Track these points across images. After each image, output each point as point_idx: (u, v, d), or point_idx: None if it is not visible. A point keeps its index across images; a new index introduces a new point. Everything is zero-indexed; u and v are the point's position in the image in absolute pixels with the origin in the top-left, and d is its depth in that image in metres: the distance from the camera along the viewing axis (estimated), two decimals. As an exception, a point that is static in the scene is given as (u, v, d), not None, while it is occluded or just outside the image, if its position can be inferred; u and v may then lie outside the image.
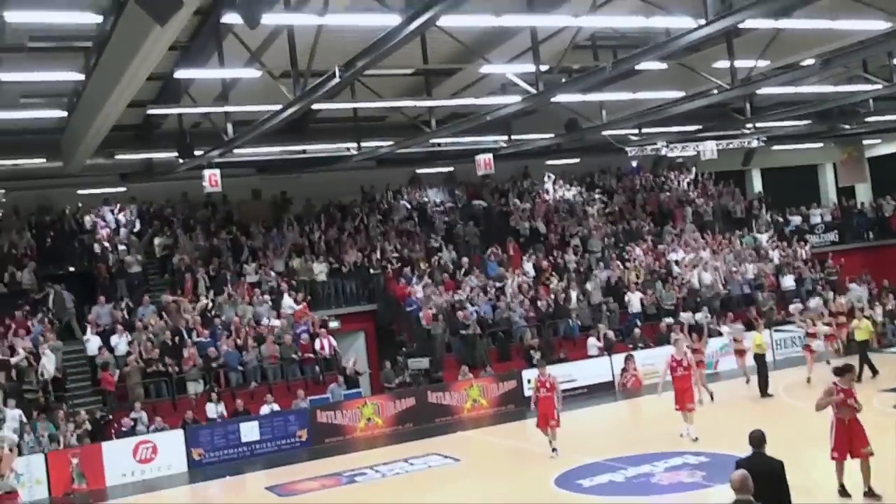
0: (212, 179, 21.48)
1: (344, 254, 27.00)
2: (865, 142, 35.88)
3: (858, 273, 30.61)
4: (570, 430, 17.78)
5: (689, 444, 16.06)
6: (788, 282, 29.12)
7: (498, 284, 26.69)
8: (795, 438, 14.03)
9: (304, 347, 22.84)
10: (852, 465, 11.81)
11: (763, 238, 31.84)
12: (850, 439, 11.66)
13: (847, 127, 31.71)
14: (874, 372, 21.09)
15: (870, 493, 11.67)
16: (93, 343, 21.70)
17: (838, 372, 12.04)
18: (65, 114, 18.39)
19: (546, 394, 16.60)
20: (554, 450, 16.47)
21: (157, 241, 26.02)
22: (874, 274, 30.75)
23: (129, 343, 21.63)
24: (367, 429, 21.04)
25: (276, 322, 23.44)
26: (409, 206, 30.25)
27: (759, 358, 20.93)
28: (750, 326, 24.11)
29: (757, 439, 9.04)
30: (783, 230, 33.38)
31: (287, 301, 24.43)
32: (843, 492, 11.78)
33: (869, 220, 34.68)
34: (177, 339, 22.10)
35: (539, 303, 25.90)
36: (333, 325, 24.74)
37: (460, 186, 31.48)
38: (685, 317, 25.00)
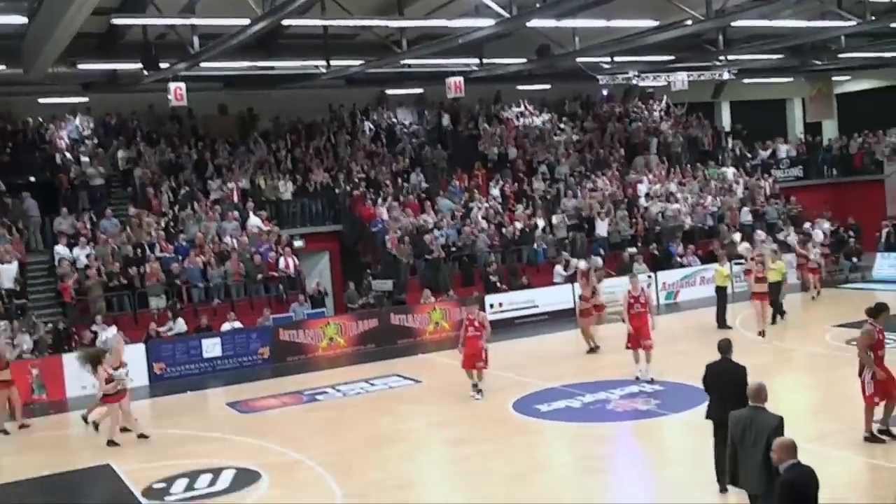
0: (177, 93, 21.06)
1: (310, 173, 26.81)
2: (835, 78, 35.99)
3: (820, 209, 30.98)
4: (529, 355, 18.06)
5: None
6: (749, 216, 29.40)
7: (464, 209, 26.72)
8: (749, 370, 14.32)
9: (269, 266, 22.81)
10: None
11: (729, 171, 32.04)
12: (886, 381, 11.28)
13: (818, 63, 31.71)
14: (781, 314, 21.14)
15: (886, 432, 11.53)
16: (57, 254, 21.55)
17: (872, 313, 11.55)
18: (25, 20, 17.85)
19: (474, 333, 15.62)
20: (479, 391, 15.68)
21: (120, 153, 25.67)
22: (836, 211, 31.15)
23: (88, 256, 21.47)
24: (330, 348, 21.19)
25: (242, 239, 23.36)
26: (377, 127, 29.98)
27: (721, 290, 21.17)
28: (712, 258, 24.45)
29: (724, 347, 10.06)
30: (748, 163, 33.59)
31: (252, 219, 24.31)
32: (874, 437, 11.40)
33: (834, 157, 34.98)
34: (139, 252, 22.00)
35: (505, 229, 26.00)
36: (298, 244, 24.71)
37: (430, 108, 31.22)
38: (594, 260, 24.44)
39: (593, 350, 19.07)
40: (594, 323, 19.71)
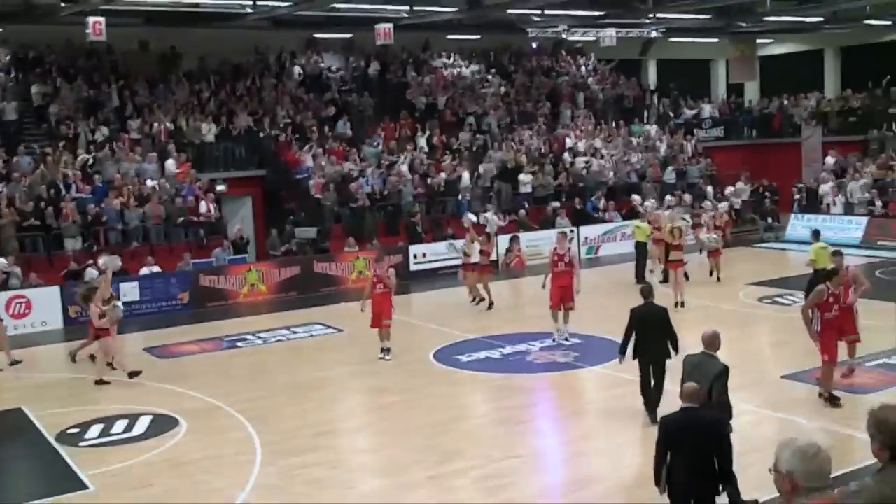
0: (96, 27, 20.41)
1: (234, 116, 26.29)
2: (759, 41, 36.55)
3: (738, 169, 31.65)
4: (451, 306, 18.17)
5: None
6: (672, 174, 29.89)
7: (391, 158, 26.57)
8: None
9: (190, 210, 22.40)
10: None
11: (652, 129, 32.46)
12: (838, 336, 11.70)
13: (743, 25, 32.19)
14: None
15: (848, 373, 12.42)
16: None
17: (827, 276, 11.87)
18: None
19: (383, 290, 14.75)
20: (386, 350, 14.83)
21: (34, 88, 24.75)
22: (754, 172, 31.87)
23: (0, 194, 20.77)
24: (251, 295, 21.00)
25: (162, 182, 22.86)
26: (304, 72, 29.48)
27: (640, 246, 21.49)
28: (634, 215, 24.83)
29: (646, 292, 11.19)
30: (672, 122, 34.06)
31: (172, 161, 23.78)
32: (832, 399, 11.43)
33: (754, 118, 35.69)
34: (54, 192, 21.36)
35: (430, 179, 25.95)
36: (220, 188, 24.30)
37: (359, 55, 30.80)
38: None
39: (482, 302, 18.86)
40: (476, 281, 19.21)
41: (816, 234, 17.30)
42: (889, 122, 29.68)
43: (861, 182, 27.11)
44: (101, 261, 18.16)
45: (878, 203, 26.13)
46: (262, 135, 26.15)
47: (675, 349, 10.69)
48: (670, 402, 9.30)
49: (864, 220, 25.88)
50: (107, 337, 14.32)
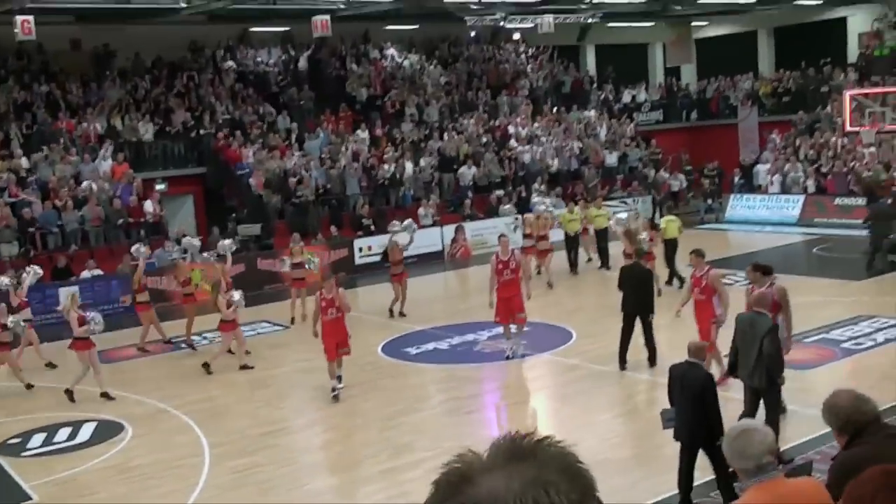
0: (25, 26, 19.93)
1: (171, 114, 25.88)
2: (694, 23, 37.01)
3: (678, 152, 32.06)
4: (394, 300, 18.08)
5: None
6: (613, 159, 30.17)
7: (333, 152, 26.39)
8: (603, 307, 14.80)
9: (131, 211, 22.03)
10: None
11: (591, 114, 32.69)
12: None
13: (678, 7, 32.55)
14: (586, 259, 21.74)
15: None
16: None
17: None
18: None
19: (335, 315, 12.52)
20: (339, 378, 12.73)
21: (-37, 91, 24.12)
22: (693, 153, 32.32)
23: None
24: (195, 294, 20.67)
25: (100, 183, 22.43)
26: (241, 67, 29.12)
27: (568, 236, 21.44)
28: (574, 201, 24.97)
29: (637, 252, 13.60)
30: (612, 107, 34.35)
31: (109, 162, 23.35)
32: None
33: (692, 101, 36.14)
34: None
35: (373, 172, 25.86)
36: (160, 187, 23.93)
37: (296, 48, 30.51)
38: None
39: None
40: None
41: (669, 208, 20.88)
42: (823, 102, 30.26)
43: (796, 162, 27.62)
44: (133, 248, 17.72)
45: (812, 182, 26.64)
46: (200, 132, 25.79)
47: (652, 308, 12.62)
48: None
49: (800, 198, 26.39)
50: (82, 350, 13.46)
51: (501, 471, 1.25)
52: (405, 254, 18.25)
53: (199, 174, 25.81)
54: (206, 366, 14.36)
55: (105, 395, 13.09)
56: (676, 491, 8.12)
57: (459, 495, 1.25)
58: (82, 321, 13.24)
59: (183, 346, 16.45)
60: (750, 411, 8.93)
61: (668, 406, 8.42)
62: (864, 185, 23.37)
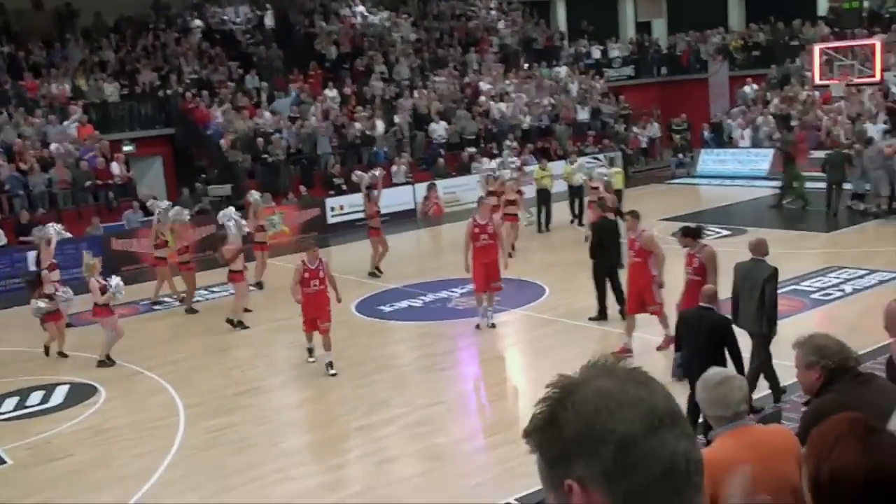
0: (-17, -14, 19.47)
1: (137, 74, 25.48)
2: (665, -22, 36.82)
3: (650, 107, 32.07)
4: (369, 257, 18.05)
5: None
6: (584, 115, 30.12)
7: (303, 111, 26.13)
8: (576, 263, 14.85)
9: (98, 173, 21.75)
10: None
11: (562, 71, 32.56)
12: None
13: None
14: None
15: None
16: None
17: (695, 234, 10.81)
18: None
19: (317, 288, 11.88)
20: (310, 351, 12.35)
21: (-78, 53, 23.61)
22: (664, 109, 32.33)
23: None
24: (168, 257, 20.49)
25: (66, 145, 22.11)
26: (207, 26, 28.67)
27: (541, 192, 21.12)
28: (547, 157, 24.96)
29: (607, 206, 13.84)
30: (583, 63, 34.22)
31: (75, 123, 23.00)
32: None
33: (663, 56, 36.07)
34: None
35: (344, 130, 25.66)
36: (128, 149, 23.61)
37: (264, 6, 30.07)
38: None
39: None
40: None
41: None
42: (793, 56, 30.31)
43: (767, 115, 27.71)
44: (171, 211, 17.09)
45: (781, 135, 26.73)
46: (168, 92, 25.43)
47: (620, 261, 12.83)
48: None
49: (770, 152, 26.51)
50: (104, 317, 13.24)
51: (603, 376, 1.45)
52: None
53: (168, 135, 25.50)
54: (231, 322, 14.43)
55: (103, 363, 12.81)
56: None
57: (571, 395, 1.43)
58: (104, 289, 13.02)
59: (156, 307, 16.38)
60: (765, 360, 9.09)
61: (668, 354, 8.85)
62: (779, 149, 23.82)
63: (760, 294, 8.89)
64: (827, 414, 3.37)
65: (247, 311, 15.04)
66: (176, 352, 13.36)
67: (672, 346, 9.40)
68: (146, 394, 11.52)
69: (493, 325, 13.29)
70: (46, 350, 13.46)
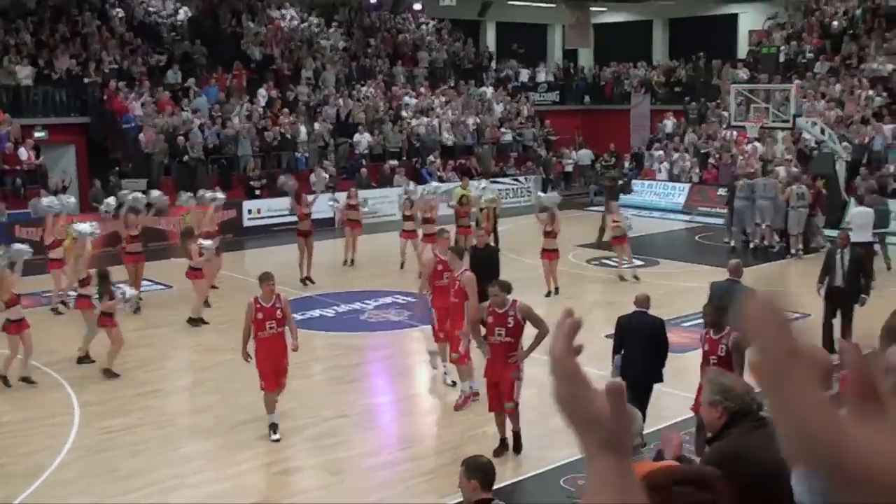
0: None
1: (55, 59, 24.73)
2: (592, 8, 37.51)
3: (571, 133, 32.53)
4: (285, 264, 17.85)
5: (399, 283, 16.60)
6: (508, 136, 30.38)
7: (225, 111, 25.71)
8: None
9: (6, 158, 21.00)
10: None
11: (489, 91, 32.81)
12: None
13: (579, -9, 32.91)
14: None
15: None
16: None
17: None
18: None
19: (275, 331, 9.67)
20: (276, 427, 9.66)
21: None
22: (586, 136, 32.86)
23: None
24: (73, 249, 19.88)
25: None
26: (130, 16, 28.01)
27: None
28: (468, 176, 25.03)
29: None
30: (510, 85, 34.55)
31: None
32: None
33: (588, 84, 36.68)
34: None
35: (266, 133, 25.35)
36: (39, 135, 22.91)
37: (190, 1, 29.54)
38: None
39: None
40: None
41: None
42: (712, 94, 31.12)
43: (683, 151, 28.35)
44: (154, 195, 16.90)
45: (697, 171, 27.41)
46: (86, 80, 24.72)
47: None
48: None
49: (686, 186, 27.14)
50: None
51: None
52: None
53: (83, 124, 24.78)
54: (194, 321, 14.09)
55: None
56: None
57: None
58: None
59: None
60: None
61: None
62: (603, 184, 24.67)
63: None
64: (726, 462, 3.44)
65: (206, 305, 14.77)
66: (75, 348, 12.91)
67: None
68: (41, 390, 11.12)
69: (454, 383, 11.08)
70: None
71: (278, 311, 9.62)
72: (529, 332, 8.91)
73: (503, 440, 9.10)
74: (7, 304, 11.08)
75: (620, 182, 23.33)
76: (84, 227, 14.21)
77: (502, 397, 8.93)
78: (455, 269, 10.53)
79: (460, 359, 10.47)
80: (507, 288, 9.04)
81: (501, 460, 8.67)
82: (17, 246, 12.13)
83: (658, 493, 1.77)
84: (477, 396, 10.24)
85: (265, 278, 9.82)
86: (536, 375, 10.90)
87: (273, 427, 9.59)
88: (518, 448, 9.14)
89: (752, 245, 20.23)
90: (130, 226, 16.01)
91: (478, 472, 5.09)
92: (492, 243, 14.41)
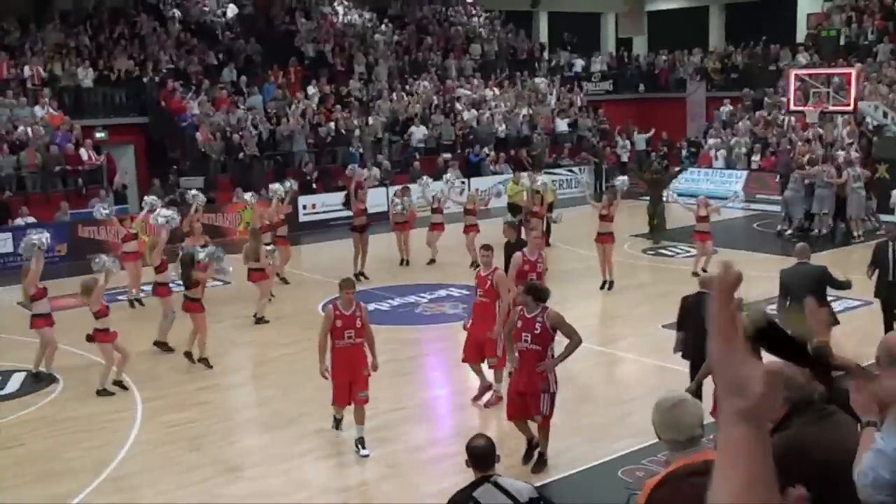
0: (-40, -37, 19.18)
1: (114, 60, 25.20)
2: (647, -4, 37.17)
3: (625, 123, 32.18)
4: (340, 258, 17.96)
5: (454, 276, 16.62)
6: (563, 126, 30.18)
7: (279, 108, 25.96)
8: (550, 276, 14.83)
9: (69, 159, 21.47)
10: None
11: (542, 82, 32.62)
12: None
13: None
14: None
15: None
16: None
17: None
18: None
19: (353, 341, 9.10)
20: (338, 423, 9.53)
21: None
22: (640, 125, 32.46)
23: None
24: (146, 241, 20.27)
25: (37, 129, 21.80)
26: (186, 16, 28.42)
27: (512, 206, 20.77)
28: (521, 167, 24.97)
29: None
30: (563, 75, 34.32)
31: (46, 107, 22.69)
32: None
33: (642, 73, 36.27)
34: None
35: (321, 129, 25.54)
36: (100, 135, 23.35)
37: (245, 0, 29.88)
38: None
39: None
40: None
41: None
42: (769, 80, 30.54)
43: (742, 137, 27.89)
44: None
45: (756, 158, 26.95)
46: (144, 80, 25.17)
47: None
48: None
49: (744, 174, 26.68)
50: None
51: None
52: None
53: (141, 124, 25.24)
54: (259, 320, 14.21)
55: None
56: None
57: None
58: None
59: (120, 298, 16.16)
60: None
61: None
62: (642, 180, 24.09)
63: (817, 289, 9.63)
64: (790, 452, 3.36)
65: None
66: (137, 344, 13.12)
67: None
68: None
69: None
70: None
71: (358, 321, 9.06)
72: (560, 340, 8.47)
73: (530, 441, 8.66)
74: (96, 316, 11.24)
75: (657, 175, 22.78)
76: (168, 213, 14.46)
77: (529, 409, 8.42)
78: (485, 265, 10.42)
79: (499, 362, 10.06)
80: (541, 295, 8.37)
81: (557, 451, 8.62)
82: (106, 259, 12.13)
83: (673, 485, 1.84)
84: (500, 401, 9.97)
85: (346, 285, 9.23)
86: (595, 366, 10.82)
87: (337, 422, 9.46)
88: (540, 465, 8.49)
89: (813, 233, 19.90)
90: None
91: (469, 454, 5.44)
92: (523, 237, 14.13)
